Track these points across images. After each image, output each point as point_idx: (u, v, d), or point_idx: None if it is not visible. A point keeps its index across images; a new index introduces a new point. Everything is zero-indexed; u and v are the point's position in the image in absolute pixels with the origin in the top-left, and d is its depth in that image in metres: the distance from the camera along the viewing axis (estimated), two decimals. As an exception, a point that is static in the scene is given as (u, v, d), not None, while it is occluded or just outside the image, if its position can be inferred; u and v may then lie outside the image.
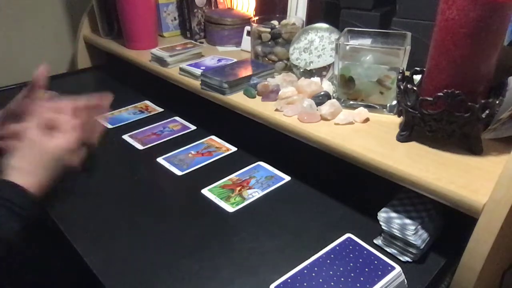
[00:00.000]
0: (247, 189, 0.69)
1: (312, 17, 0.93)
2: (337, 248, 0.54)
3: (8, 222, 0.50)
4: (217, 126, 0.89)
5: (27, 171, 0.56)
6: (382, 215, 0.56)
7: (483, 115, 0.53)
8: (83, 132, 0.63)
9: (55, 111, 0.62)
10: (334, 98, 0.71)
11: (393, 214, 0.55)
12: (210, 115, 0.90)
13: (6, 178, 0.53)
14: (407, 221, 0.54)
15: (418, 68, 0.62)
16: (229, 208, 0.65)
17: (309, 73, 0.82)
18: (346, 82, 0.70)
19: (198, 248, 0.57)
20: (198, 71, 0.85)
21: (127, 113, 0.97)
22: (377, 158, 0.56)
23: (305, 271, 0.50)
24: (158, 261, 0.55)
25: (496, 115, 0.53)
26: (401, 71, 0.61)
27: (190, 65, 0.90)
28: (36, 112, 0.60)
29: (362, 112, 0.67)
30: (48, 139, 0.59)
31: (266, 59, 0.89)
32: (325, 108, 0.67)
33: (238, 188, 0.69)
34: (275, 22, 0.92)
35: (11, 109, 0.65)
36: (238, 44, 1.06)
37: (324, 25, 0.82)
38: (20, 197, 0.53)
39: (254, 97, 0.77)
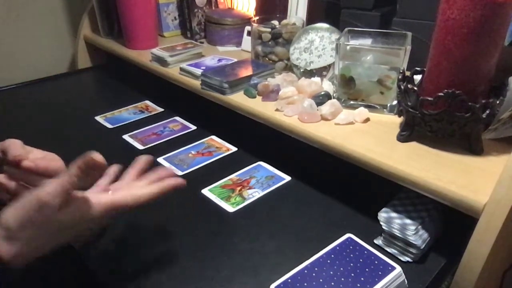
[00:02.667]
0: (247, 189, 0.69)
1: (312, 17, 0.93)
2: (338, 248, 0.54)
3: None
4: (217, 126, 0.89)
5: (19, 235, 0.41)
6: (382, 215, 0.56)
7: (484, 115, 0.53)
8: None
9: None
10: (334, 98, 0.71)
11: (394, 214, 0.55)
12: (210, 115, 0.90)
13: None
14: (408, 221, 0.54)
15: (418, 68, 0.62)
16: (229, 208, 0.65)
17: (309, 73, 0.82)
18: (347, 82, 0.70)
19: (198, 248, 0.57)
20: (198, 71, 0.85)
21: (127, 113, 0.97)
22: (378, 158, 0.56)
23: (306, 271, 0.50)
24: (158, 261, 0.55)
25: (496, 115, 0.52)
26: (401, 71, 0.61)
27: (190, 65, 0.90)
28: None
29: (362, 112, 0.67)
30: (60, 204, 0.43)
31: (267, 59, 0.89)
32: (326, 108, 0.67)
33: (238, 188, 0.69)
34: (275, 22, 0.92)
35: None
36: (239, 44, 1.06)
37: (325, 25, 0.82)
38: None
39: (254, 97, 0.77)
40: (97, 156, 0.44)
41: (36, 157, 0.54)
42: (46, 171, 0.54)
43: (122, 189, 0.50)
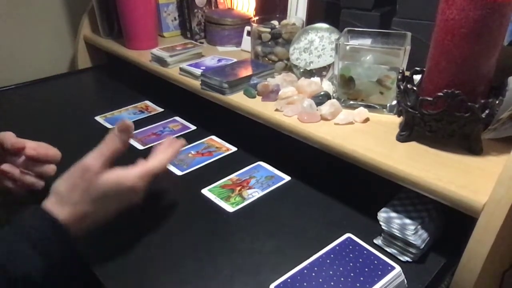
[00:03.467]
0: (247, 189, 0.69)
1: (312, 17, 0.93)
2: (337, 248, 0.54)
3: (29, 259, 0.44)
4: (217, 126, 0.89)
5: (68, 198, 0.48)
6: (382, 215, 0.56)
7: (483, 115, 0.53)
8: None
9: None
10: (334, 98, 0.71)
11: (393, 214, 0.55)
12: (210, 115, 0.90)
13: (43, 204, 0.48)
14: (407, 221, 0.54)
15: (418, 68, 0.62)
16: (229, 208, 0.65)
17: (309, 73, 0.82)
18: (346, 82, 0.70)
19: (198, 248, 0.57)
20: (198, 71, 0.85)
21: (127, 113, 0.97)
22: (377, 158, 0.56)
23: (305, 271, 0.50)
24: (158, 261, 0.55)
25: (496, 115, 0.53)
26: (401, 71, 0.61)
27: (190, 65, 0.90)
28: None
29: (362, 112, 0.67)
30: (107, 171, 0.51)
31: (266, 59, 0.89)
32: (325, 108, 0.67)
33: (238, 188, 0.69)
34: (275, 22, 0.92)
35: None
36: (238, 44, 1.06)
37: (324, 25, 0.82)
38: (48, 229, 0.46)
39: (254, 97, 0.77)
40: (127, 121, 0.54)
41: (31, 146, 0.60)
42: (46, 157, 0.60)
43: (147, 159, 0.57)
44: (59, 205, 0.48)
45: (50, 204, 0.48)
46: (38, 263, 0.44)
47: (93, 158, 0.50)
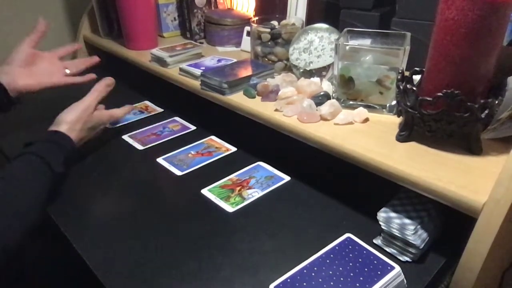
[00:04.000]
0: (247, 189, 0.69)
1: (311, 17, 0.93)
2: (337, 248, 0.54)
3: (58, 156, 0.65)
4: (217, 126, 0.89)
5: (74, 126, 0.71)
6: (381, 215, 0.56)
7: (483, 115, 0.53)
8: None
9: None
10: (333, 98, 0.72)
11: (393, 214, 0.55)
12: (210, 115, 0.90)
13: (58, 129, 0.69)
14: (407, 221, 0.54)
15: (417, 68, 0.62)
16: (229, 208, 0.65)
17: (308, 73, 0.82)
18: (346, 82, 0.70)
19: (198, 248, 0.57)
20: (198, 72, 0.85)
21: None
22: (377, 158, 0.56)
23: (305, 271, 0.50)
24: (158, 261, 0.55)
25: (495, 115, 0.53)
26: (400, 71, 0.61)
27: (190, 65, 0.90)
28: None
29: (361, 112, 0.67)
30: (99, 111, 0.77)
31: (266, 59, 0.89)
32: (325, 108, 0.67)
33: (238, 188, 0.69)
34: (275, 23, 0.92)
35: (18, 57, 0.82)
36: (238, 44, 1.07)
37: (324, 26, 0.82)
38: (68, 143, 0.68)
39: (254, 97, 0.77)
40: (112, 79, 0.80)
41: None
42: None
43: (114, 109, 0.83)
44: (69, 130, 0.70)
45: (63, 129, 0.69)
46: (64, 161, 0.66)
47: (92, 100, 0.75)
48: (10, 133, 0.87)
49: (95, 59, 0.95)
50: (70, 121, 0.70)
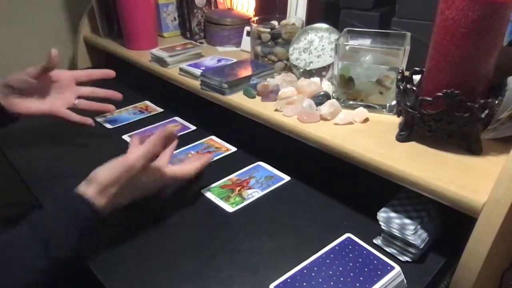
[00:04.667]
0: (247, 189, 0.69)
1: (311, 17, 0.93)
2: (337, 248, 0.54)
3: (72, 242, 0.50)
4: (217, 126, 0.89)
5: (108, 190, 0.54)
6: (381, 215, 0.56)
7: (483, 115, 0.53)
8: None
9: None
10: (333, 98, 0.72)
11: (393, 214, 0.55)
12: (210, 115, 0.90)
13: (85, 192, 0.52)
14: (407, 221, 0.54)
15: (417, 68, 0.62)
16: (229, 208, 0.65)
17: (308, 73, 0.82)
18: (346, 82, 0.70)
19: (198, 248, 0.57)
20: (198, 71, 0.85)
21: (127, 113, 0.97)
22: (377, 158, 0.56)
23: (305, 271, 0.50)
24: (158, 261, 0.55)
25: (495, 115, 0.53)
26: (400, 71, 0.61)
27: (190, 65, 0.90)
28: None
29: (361, 112, 0.67)
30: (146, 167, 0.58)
31: (266, 59, 0.89)
32: (325, 108, 0.67)
33: (238, 188, 0.70)
34: (275, 22, 0.92)
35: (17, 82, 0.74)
36: (238, 44, 1.07)
37: (324, 25, 0.82)
38: (89, 216, 0.52)
39: (254, 97, 0.77)
40: (172, 128, 0.65)
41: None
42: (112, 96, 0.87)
43: (179, 165, 0.66)
44: (99, 194, 0.53)
45: (91, 193, 0.52)
46: (71, 241, 0.50)
47: (137, 159, 0.56)
48: (16, 139, 0.86)
49: (111, 73, 0.87)
50: (101, 183, 0.53)
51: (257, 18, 0.92)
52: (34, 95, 0.78)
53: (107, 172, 0.54)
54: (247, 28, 1.04)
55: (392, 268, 0.50)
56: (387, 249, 0.56)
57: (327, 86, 0.76)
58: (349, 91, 0.70)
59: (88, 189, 0.53)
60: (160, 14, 1.14)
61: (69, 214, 0.50)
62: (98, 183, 0.53)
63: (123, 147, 0.83)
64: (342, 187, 0.69)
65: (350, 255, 0.53)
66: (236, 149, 0.82)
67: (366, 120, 0.67)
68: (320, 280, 0.49)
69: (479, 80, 0.53)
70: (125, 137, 0.87)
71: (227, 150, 0.82)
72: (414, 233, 0.53)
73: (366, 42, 0.73)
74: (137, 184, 0.57)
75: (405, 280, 0.50)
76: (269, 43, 0.87)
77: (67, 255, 0.49)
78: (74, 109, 0.82)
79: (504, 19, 0.50)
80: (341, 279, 0.49)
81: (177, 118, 0.95)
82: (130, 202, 0.58)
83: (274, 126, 0.70)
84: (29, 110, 0.76)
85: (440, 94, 0.53)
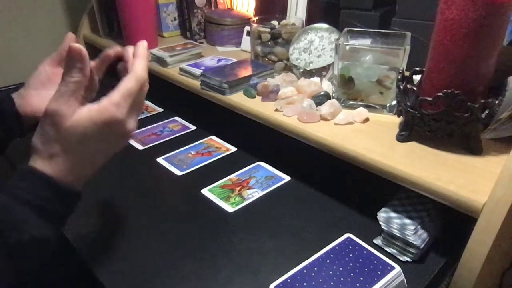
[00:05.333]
0: (247, 189, 0.69)
1: (312, 17, 0.93)
2: (337, 248, 0.54)
3: (32, 221, 0.40)
4: (217, 126, 0.89)
5: (45, 152, 0.42)
6: (381, 215, 0.56)
7: (483, 115, 0.53)
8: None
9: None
10: (333, 98, 0.71)
11: (393, 214, 0.55)
12: (210, 115, 0.90)
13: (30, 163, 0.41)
14: (407, 221, 0.54)
15: (417, 68, 0.62)
16: (229, 208, 0.65)
17: (308, 73, 0.82)
18: (346, 82, 0.70)
19: (198, 248, 0.57)
20: (198, 71, 0.85)
21: (127, 113, 0.97)
22: (377, 158, 0.56)
23: (305, 271, 0.50)
24: (158, 261, 0.55)
25: (495, 115, 0.53)
26: (400, 71, 0.61)
27: (190, 65, 0.90)
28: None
29: (361, 112, 0.67)
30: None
31: (266, 59, 0.89)
32: (325, 108, 0.67)
33: (238, 188, 0.70)
34: (275, 22, 0.92)
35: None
36: (238, 44, 1.06)
37: (324, 25, 0.82)
38: (43, 188, 0.41)
39: (254, 97, 0.77)
40: (75, 45, 0.44)
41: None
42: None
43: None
44: (41, 160, 0.41)
45: (33, 162, 0.41)
46: (44, 225, 0.40)
47: (56, 101, 0.41)
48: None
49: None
50: (35, 146, 0.43)
51: (257, 18, 0.92)
52: (43, 98, 0.63)
53: (36, 132, 0.43)
54: (247, 28, 1.04)
55: (392, 268, 0.50)
56: (387, 249, 0.56)
57: (327, 86, 0.76)
58: (349, 91, 0.70)
59: (31, 160, 0.42)
60: (160, 14, 1.14)
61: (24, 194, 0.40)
62: (33, 149, 0.42)
63: (123, 147, 0.83)
64: (342, 187, 0.69)
65: (350, 255, 0.53)
66: (236, 149, 0.82)
67: (366, 120, 0.67)
68: (320, 280, 0.49)
69: (479, 80, 0.53)
70: (125, 137, 0.86)
71: (227, 150, 0.82)
72: (414, 233, 0.53)
73: (366, 42, 0.73)
74: (77, 132, 0.42)
75: (405, 280, 0.50)
76: (269, 43, 0.87)
77: (41, 236, 0.40)
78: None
79: (504, 19, 0.50)
80: (341, 279, 0.49)
81: (177, 118, 0.95)
82: (94, 160, 0.46)
83: (274, 126, 0.70)
84: (38, 111, 0.60)
85: (440, 94, 0.53)
